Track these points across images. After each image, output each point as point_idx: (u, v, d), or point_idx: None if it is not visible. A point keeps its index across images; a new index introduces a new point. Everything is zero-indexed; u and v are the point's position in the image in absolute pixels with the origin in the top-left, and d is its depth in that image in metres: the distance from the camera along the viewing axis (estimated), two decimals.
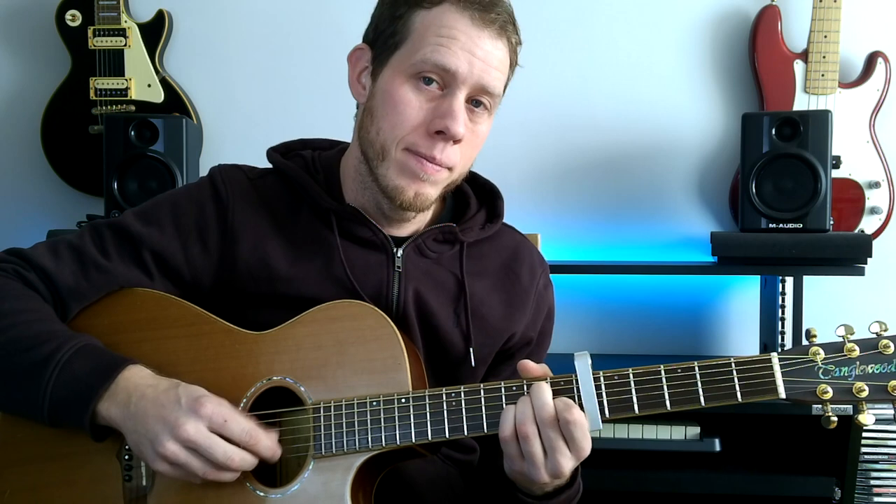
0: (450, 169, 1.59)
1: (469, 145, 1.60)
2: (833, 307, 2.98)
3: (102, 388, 1.49)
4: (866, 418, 1.45)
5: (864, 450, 2.60)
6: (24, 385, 1.51)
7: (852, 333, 1.47)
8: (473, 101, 1.57)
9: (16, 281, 1.58)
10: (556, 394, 1.47)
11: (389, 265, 1.65)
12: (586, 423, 1.45)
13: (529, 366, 1.51)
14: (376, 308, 1.57)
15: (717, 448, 2.52)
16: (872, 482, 2.65)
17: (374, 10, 1.64)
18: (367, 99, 1.62)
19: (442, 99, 1.55)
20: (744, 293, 3.07)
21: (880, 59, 2.91)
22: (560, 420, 1.44)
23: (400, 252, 1.66)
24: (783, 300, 2.80)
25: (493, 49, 1.55)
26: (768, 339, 2.90)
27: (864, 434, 2.59)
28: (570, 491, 1.57)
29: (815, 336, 1.48)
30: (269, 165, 1.73)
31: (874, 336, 1.47)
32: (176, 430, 1.44)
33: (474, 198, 1.76)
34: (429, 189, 1.59)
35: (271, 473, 1.57)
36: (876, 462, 2.65)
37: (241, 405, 1.54)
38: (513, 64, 1.62)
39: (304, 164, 1.70)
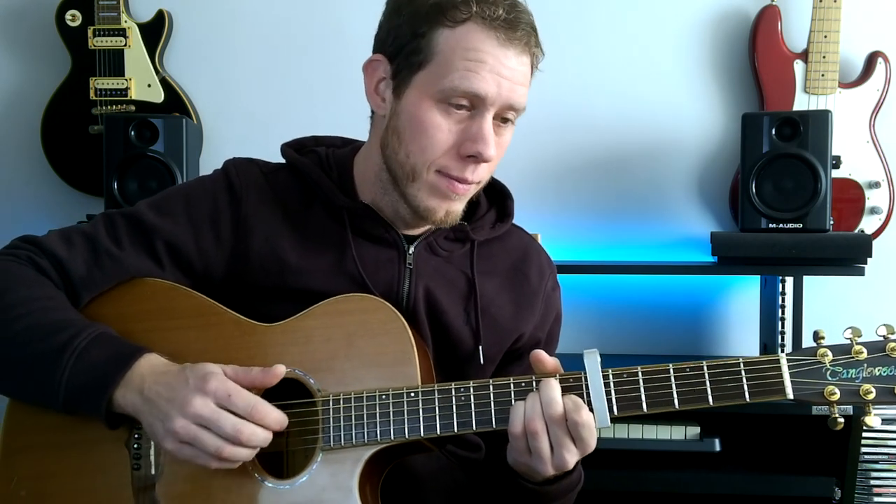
0: (478, 183, 1.62)
1: (495, 158, 1.61)
2: (833, 307, 2.97)
3: (119, 375, 1.50)
4: (873, 420, 1.46)
5: (864, 450, 2.60)
6: (39, 372, 1.52)
7: (860, 336, 1.47)
8: (500, 118, 1.59)
9: (29, 268, 1.59)
10: (564, 391, 1.48)
11: (401, 262, 1.67)
12: (594, 424, 1.47)
13: (542, 356, 1.52)
14: (386, 302, 1.58)
15: (717, 448, 2.51)
16: (872, 482, 2.64)
17: (386, 19, 1.63)
18: (389, 116, 1.62)
19: (471, 121, 1.56)
20: (744, 293, 3.06)
21: (880, 60, 2.90)
22: (569, 420, 1.46)
23: (411, 249, 1.67)
24: (783, 300, 2.79)
25: (518, 65, 1.56)
26: (768, 340, 2.90)
27: (865, 434, 2.59)
28: (572, 477, 1.59)
29: (822, 337, 1.48)
30: (282, 161, 1.74)
31: (881, 339, 1.47)
32: (184, 407, 1.45)
33: (484, 197, 1.78)
34: (458, 205, 1.62)
35: (279, 465, 1.58)
36: (876, 462, 2.64)
37: None
38: (533, 72, 1.62)
39: (318, 161, 1.71)
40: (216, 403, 1.46)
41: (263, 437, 1.48)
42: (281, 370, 1.53)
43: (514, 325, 1.74)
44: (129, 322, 1.61)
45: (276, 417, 1.50)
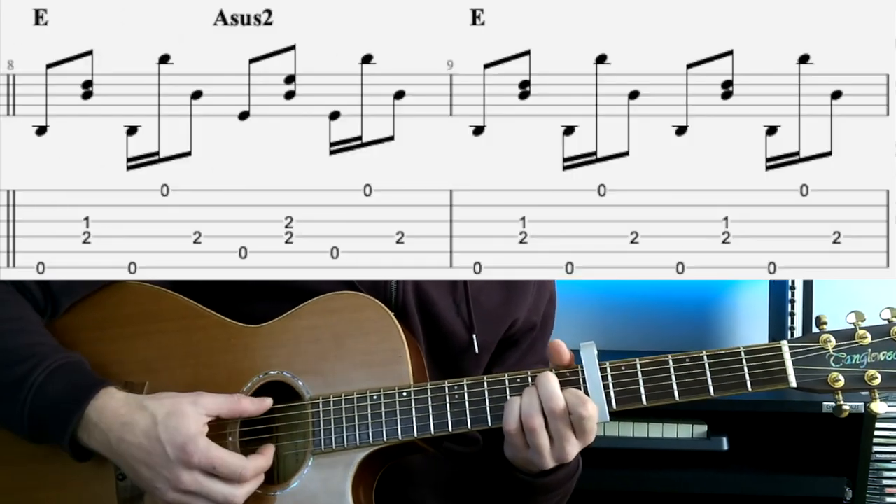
0: None
1: None
2: (844, 299, 2.82)
3: (76, 415, 1.48)
4: (878, 406, 1.46)
5: (875, 448, 2.56)
6: (4, 403, 1.51)
7: (863, 320, 1.48)
8: None
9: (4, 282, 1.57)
10: (562, 385, 1.47)
11: None
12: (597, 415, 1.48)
13: (561, 348, 1.52)
14: (375, 300, 1.58)
15: (725, 447, 2.50)
16: (885, 482, 2.63)
17: None
18: None
19: None
20: (752, 285, 3.05)
21: None
22: (573, 414, 1.45)
23: None
24: (793, 294, 2.78)
25: None
26: (777, 333, 2.89)
27: (876, 433, 2.55)
28: (569, 466, 1.58)
29: (825, 323, 1.49)
30: None
31: (885, 322, 1.47)
32: (171, 482, 1.45)
33: None
34: None
35: (268, 470, 1.56)
36: (888, 461, 2.63)
37: None
38: None
39: None
40: (202, 474, 1.46)
41: (257, 485, 1.50)
42: (268, 403, 1.53)
43: (505, 311, 1.74)
44: (110, 328, 1.60)
45: (265, 465, 1.51)
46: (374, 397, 1.53)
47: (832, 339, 1.47)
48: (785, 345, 1.47)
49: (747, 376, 1.47)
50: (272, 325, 1.59)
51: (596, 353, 1.50)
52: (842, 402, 1.47)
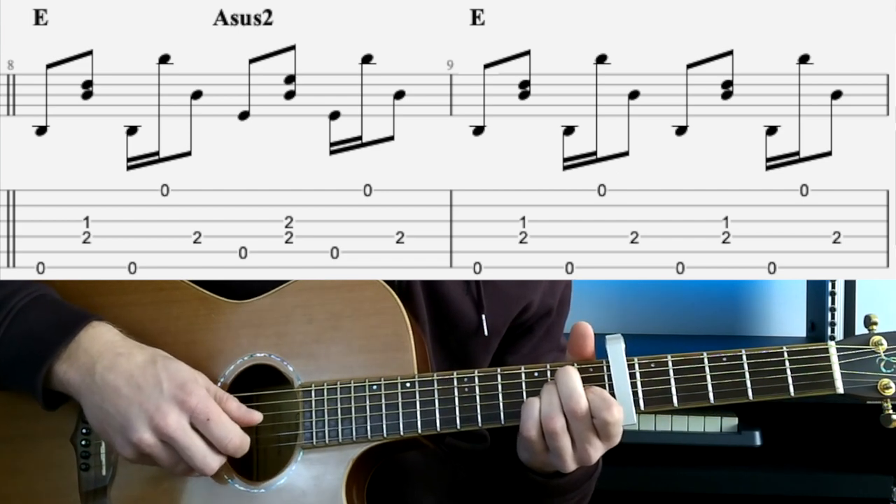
0: None
1: None
2: (892, 281, 2.96)
3: (61, 345, 1.55)
4: None
5: None
6: None
7: None
8: None
9: None
10: (584, 382, 1.55)
11: None
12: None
13: (587, 331, 1.61)
14: (377, 279, 1.65)
15: (758, 442, 2.64)
16: None
17: None
18: None
19: None
20: None
21: None
22: (596, 418, 1.53)
23: None
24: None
25: None
26: (816, 318, 2.99)
27: None
28: (587, 466, 1.65)
29: (875, 323, 1.58)
30: None
31: None
32: (155, 419, 1.51)
33: None
34: None
35: (247, 462, 1.66)
36: None
37: (219, 385, 1.63)
38: None
39: None
40: (191, 423, 1.53)
41: (222, 462, 1.57)
42: (258, 418, 1.60)
43: (520, 292, 1.84)
44: (75, 299, 1.65)
45: (245, 448, 1.58)
46: (374, 387, 1.59)
47: (884, 341, 1.56)
48: (833, 346, 1.56)
49: (790, 379, 1.55)
50: (259, 301, 1.66)
51: (624, 347, 1.57)
52: (891, 412, 1.55)
